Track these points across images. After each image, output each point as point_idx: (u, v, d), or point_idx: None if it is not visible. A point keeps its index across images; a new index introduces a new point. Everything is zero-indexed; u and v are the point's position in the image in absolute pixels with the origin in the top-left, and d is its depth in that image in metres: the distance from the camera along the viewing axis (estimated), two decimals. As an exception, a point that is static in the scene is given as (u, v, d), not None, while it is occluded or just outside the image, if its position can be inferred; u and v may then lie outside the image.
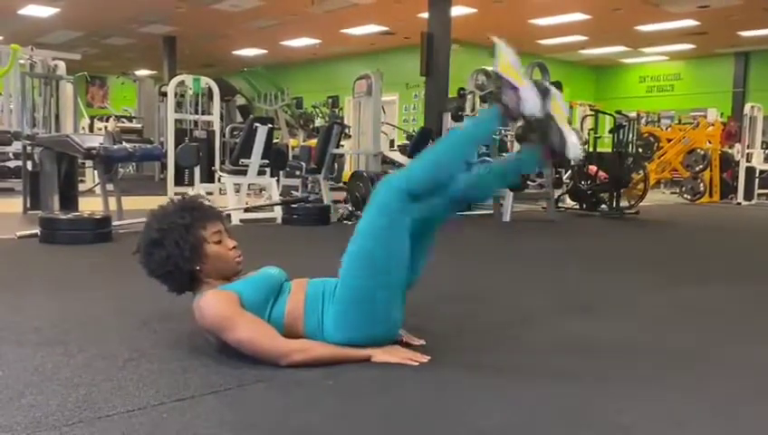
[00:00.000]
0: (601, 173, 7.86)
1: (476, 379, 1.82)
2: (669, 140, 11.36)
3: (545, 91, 2.06)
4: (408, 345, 2.02)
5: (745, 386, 1.84)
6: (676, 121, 15.65)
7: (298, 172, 8.14)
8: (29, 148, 5.99)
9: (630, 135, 8.06)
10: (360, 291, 1.89)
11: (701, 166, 10.73)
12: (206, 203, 2.08)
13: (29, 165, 5.99)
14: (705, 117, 13.68)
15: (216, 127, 7.38)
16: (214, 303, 1.85)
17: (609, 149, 7.86)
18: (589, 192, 7.95)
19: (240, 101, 13.04)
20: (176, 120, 7.42)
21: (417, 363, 1.88)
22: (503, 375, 1.86)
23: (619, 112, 8.36)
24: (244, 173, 6.17)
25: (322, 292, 1.96)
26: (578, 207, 8.11)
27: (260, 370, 1.78)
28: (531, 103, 2.00)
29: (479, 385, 1.77)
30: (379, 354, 1.88)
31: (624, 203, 7.88)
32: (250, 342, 1.82)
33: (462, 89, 7.72)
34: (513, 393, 1.72)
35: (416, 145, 8.45)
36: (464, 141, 2.09)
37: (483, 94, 7.42)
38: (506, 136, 8.12)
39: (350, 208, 6.27)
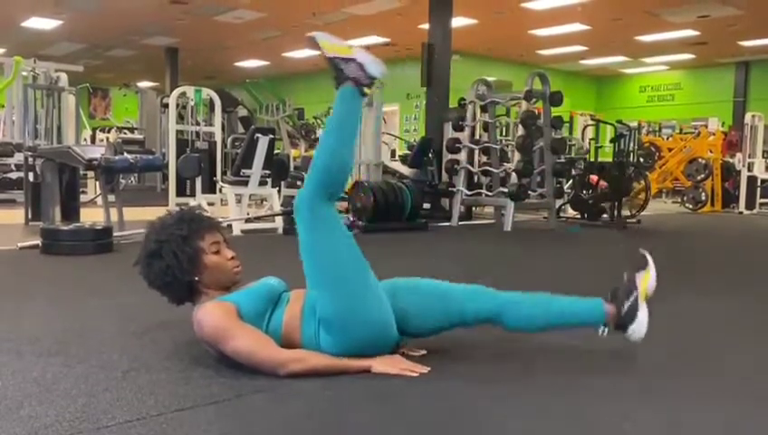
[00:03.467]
0: (602, 183, 7.86)
1: (476, 390, 1.81)
2: (670, 150, 11.37)
3: (643, 262, 2.15)
4: (407, 356, 2.01)
5: (749, 396, 1.83)
6: (677, 131, 15.66)
7: (299, 183, 8.14)
8: (31, 159, 6.00)
9: (631, 145, 8.08)
10: (333, 305, 1.88)
11: (702, 175, 10.73)
12: (205, 214, 2.09)
13: (31, 176, 6.00)
14: (707, 126, 13.70)
15: (218, 138, 7.40)
16: (211, 314, 1.85)
17: (611, 159, 7.86)
18: (590, 202, 7.95)
19: (242, 112, 13.06)
20: (177, 131, 7.43)
21: (417, 374, 1.87)
22: (503, 386, 1.85)
23: (619, 122, 8.37)
24: (245, 184, 6.18)
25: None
26: (579, 216, 8.11)
27: (259, 380, 1.78)
28: (371, 63, 2.00)
29: (479, 396, 1.76)
30: (378, 365, 1.87)
31: (626, 212, 7.87)
32: (248, 352, 1.82)
33: (462, 99, 7.73)
34: (513, 404, 1.72)
35: (417, 155, 8.47)
36: (335, 126, 2.02)
37: (462, 102, 7.45)
38: (506, 146, 8.12)
39: (352, 218, 6.27)
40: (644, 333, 2.02)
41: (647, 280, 2.09)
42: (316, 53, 2.07)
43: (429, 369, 1.90)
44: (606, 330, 2.04)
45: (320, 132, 13.20)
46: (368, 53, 2.02)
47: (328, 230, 1.94)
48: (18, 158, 8.20)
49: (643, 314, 2.03)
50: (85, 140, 11.74)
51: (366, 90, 2.02)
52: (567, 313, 2.07)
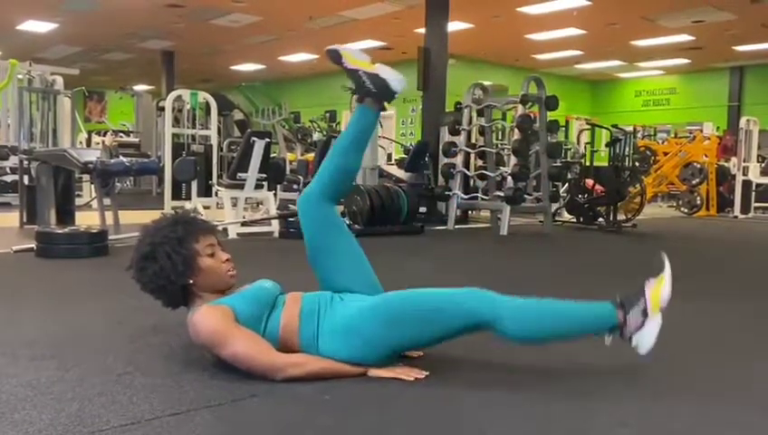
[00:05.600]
0: (598, 187, 7.88)
1: (474, 394, 1.81)
2: (666, 154, 11.40)
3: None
4: (406, 359, 2.01)
5: (750, 405, 1.83)
6: (673, 135, 15.71)
7: (295, 186, 8.14)
8: (26, 162, 5.98)
9: (627, 149, 8.10)
10: (379, 327, 1.86)
11: (698, 179, 10.75)
12: (199, 217, 2.08)
13: (26, 179, 5.98)
14: (702, 131, 13.73)
15: (214, 141, 7.39)
16: (207, 318, 1.84)
17: (606, 163, 7.88)
18: (586, 206, 7.97)
19: (238, 115, 13.05)
20: (173, 135, 7.41)
21: (414, 378, 1.87)
22: (501, 390, 1.85)
23: (615, 126, 8.41)
24: (241, 187, 6.17)
25: (317, 306, 1.95)
26: (575, 220, 8.12)
27: (255, 384, 1.77)
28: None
29: (477, 400, 1.76)
30: (376, 369, 1.87)
31: (621, 216, 7.89)
32: (245, 357, 1.81)
33: (459, 103, 7.74)
34: (511, 409, 1.71)
35: (413, 159, 8.47)
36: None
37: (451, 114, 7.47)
38: (502, 150, 8.13)
39: (348, 222, 6.27)
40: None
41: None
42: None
43: (427, 374, 1.89)
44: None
45: (316, 136, 13.22)
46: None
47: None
48: (13, 161, 8.17)
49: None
50: (81, 143, 11.70)
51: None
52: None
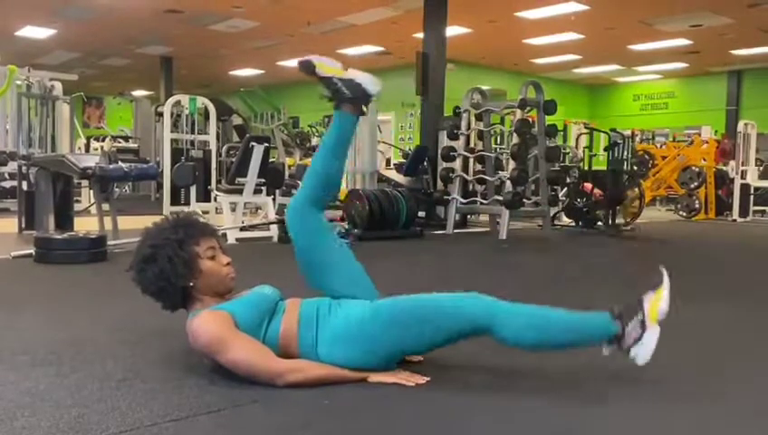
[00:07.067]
0: (597, 191, 7.88)
1: (475, 399, 1.81)
2: (664, 158, 11.42)
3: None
4: (406, 364, 2.01)
5: (749, 409, 1.83)
6: (671, 139, 15.74)
7: (294, 191, 8.13)
8: (25, 168, 5.98)
9: (625, 153, 8.10)
10: (382, 333, 1.87)
11: (696, 183, 10.77)
12: (201, 220, 2.08)
13: (25, 185, 5.98)
14: (700, 134, 13.75)
15: (213, 146, 7.40)
16: (208, 324, 1.83)
17: (605, 167, 7.89)
18: (584, 210, 7.97)
19: (236, 120, 13.06)
20: (172, 140, 7.43)
21: (414, 384, 1.86)
22: (502, 395, 1.85)
23: (613, 130, 8.41)
24: (240, 192, 6.17)
25: (316, 312, 1.95)
26: (574, 224, 8.13)
27: (255, 390, 1.77)
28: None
29: (478, 405, 1.76)
30: (376, 375, 1.86)
31: (620, 220, 7.89)
32: (245, 363, 1.80)
33: (457, 107, 7.75)
34: (512, 414, 1.71)
35: (412, 163, 8.48)
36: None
37: (453, 119, 7.47)
38: (501, 154, 8.14)
39: (347, 227, 6.27)
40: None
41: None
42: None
43: (428, 379, 1.89)
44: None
45: (315, 141, 13.24)
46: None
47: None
48: (12, 166, 8.17)
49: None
50: (79, 148, 11.69)
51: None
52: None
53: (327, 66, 2.06)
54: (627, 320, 1.89)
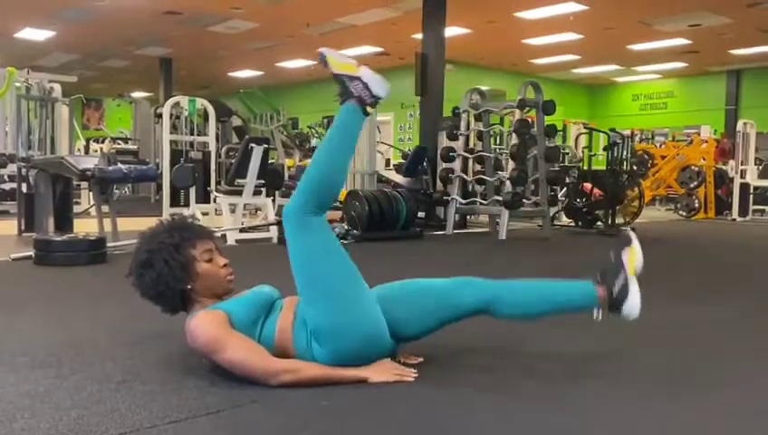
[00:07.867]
0: (596, 191, 7.89)
1: (474, 398, 1.81)
2: (663, 158, 11.42)
3: (627, 239, 2.13)
4: (404, 364, 2.00)
5: (748, 408, 1.83)
6: (670, 139, 15.74)
7: (293, 192, 8.12)
8: (24, 170, 5.98)
9: (625, 152, 8.10)
10: (324, 319, 1.87)
11: (696, 182, 10.77)
12: (196, 222, 2.08)
13: (24, 187, 5.98)
14: (699, 134, 13.76)
15: (212, 148, 7.40)
16: (203, 324, 1.84)
17: (604, 167, 7.89)
18: (584, 210, 7.97)
19: (236, 121, 13.06)
20: (171, 142, 7.42)
21: (413, 379, 1.87)
22: (500, 395, 1.85)
23: (612, 130, 8.41)
24: (239, 193, 6.17)
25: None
26: (573, 224, 8.12)
27: (254, 390, 1.77)
28: (376, 83, 2.02)
29: (477, 405, 1.76)
30: (374, 376, 1.86)
31: (620, 220, 7.89)
32: (240, 362, 1.81)
33: (456, 108, 7.75)
34: (512, 414, 1.71)
35: (411, 164, 8.48)
36: (334, 141, 2.05)
37: (452, 119, 7.47)
38: (500, 154, 8.14)
39: (346, 227, 6.27)
40: (638, 311, 2.01)
41: (633, 256, 2.07)
42: (321, 65, 2.07)
43: (416, 373, 1.89)
44: (600, 312, 2.03)
45: (314, 142, 13.24)
46: (373, 72, 2.03)
47: (317, 242, 1.97)
48: (11, 169, 8.16)
49: (635, 291, 2.02)
50: (79, 150, 11.70)
51: (369, 109, 2.04)
52: (560, 297, 2.10)
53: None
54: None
